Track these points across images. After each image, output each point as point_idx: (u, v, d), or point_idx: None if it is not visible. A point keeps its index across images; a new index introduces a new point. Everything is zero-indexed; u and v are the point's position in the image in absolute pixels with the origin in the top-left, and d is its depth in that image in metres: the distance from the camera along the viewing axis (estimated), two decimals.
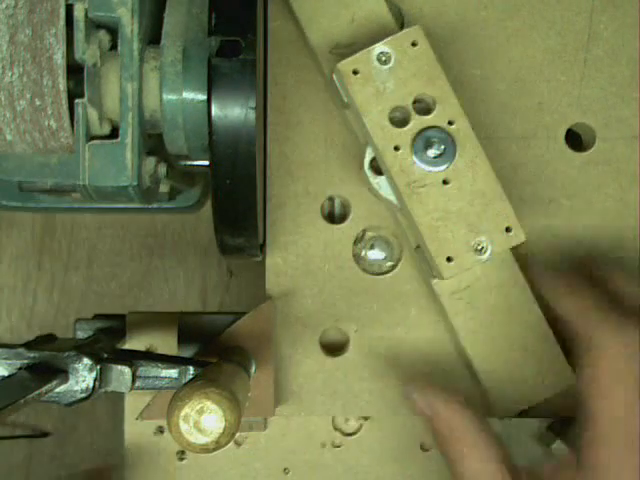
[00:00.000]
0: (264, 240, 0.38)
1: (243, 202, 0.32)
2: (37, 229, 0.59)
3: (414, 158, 0.33)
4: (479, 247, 0.34)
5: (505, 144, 0.39)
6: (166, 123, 0.33)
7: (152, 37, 0.33)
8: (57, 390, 0.30)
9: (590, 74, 0.39)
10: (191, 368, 0.33)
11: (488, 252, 0.34)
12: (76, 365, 0.31)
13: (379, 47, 0.34)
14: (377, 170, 0.35)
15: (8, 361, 0.31)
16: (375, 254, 0.39)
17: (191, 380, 0.30)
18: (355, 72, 0.34)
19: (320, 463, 0.41)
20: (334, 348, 0.39)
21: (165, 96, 0.32)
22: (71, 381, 0.31)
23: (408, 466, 0.41)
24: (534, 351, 0.37)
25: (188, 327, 0.38)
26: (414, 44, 0.34)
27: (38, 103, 0.29)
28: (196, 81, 0.32)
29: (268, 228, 0.38)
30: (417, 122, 0.34)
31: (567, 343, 0.36)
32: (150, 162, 0.33)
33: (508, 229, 0.34)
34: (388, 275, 0.39)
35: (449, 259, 0.34)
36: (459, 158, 0.34)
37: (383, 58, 0.34)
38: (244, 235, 0.33)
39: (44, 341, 0.33)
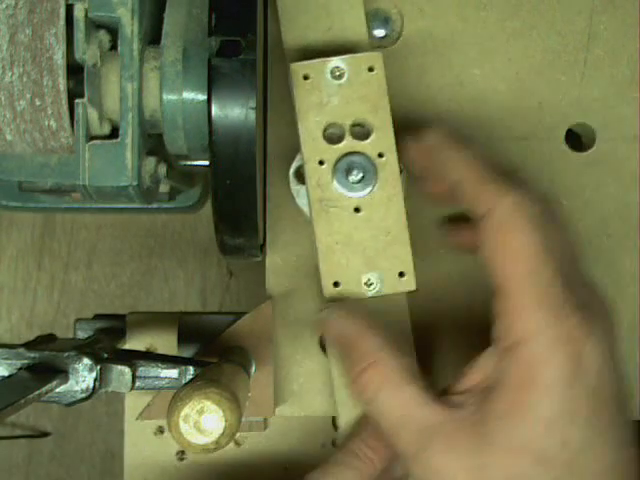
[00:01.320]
0: (264, 240, 0.38)
1: (243, 202, 0.32)
2: (37, 229, 0.59)
3: (334, 177, 0.34)
4: (369, 282, 0.34)
5: (505, 144, 0.39)
6: (166, 123, 0.33)
7: (152, 37, 0.33)
8: (57, 390, 0.30)
9: (590, 74, 0.39)
10: (191, 368, 0.33)
11: (375, 289, 0.34)
12: (76, 365, 0.31)
13: (336, 61, 0.34)
14: (301, 179, 0.35)
15: (8, 361, 0.31)
16: None
17: (191, 380, 0.30)
18: (306, 77, 0.34)
19: (320, 463, 0.41)
20: None
21: (165, 96, 0.32)
22: (71, 381, 0.31)
23: None
24: None
25: (188, 327, 0.38)
26: (371, 69, 0.34)
27: (38, 103, 0.29)
28: (196, 81, 0.32)
29: (268, 228, 0.38)
30: (348, 144, 0.34)
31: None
32: (150, 162, 0.33)
33: (402, 274, 0.34)
34: None
35: (336, 284, 0.34)
36: (377, 191, 0.34)
37: (337, 73, 0.34)
38: (244, 235, 0.33)
39: (44, 341, 0.33)
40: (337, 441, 0.41)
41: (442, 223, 0.38)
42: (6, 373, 0.31)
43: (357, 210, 0.34)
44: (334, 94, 0.34)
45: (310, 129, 0.34)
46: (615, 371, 0.30)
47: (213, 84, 0.29)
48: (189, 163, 0.40)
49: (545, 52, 0.39)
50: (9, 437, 0.59)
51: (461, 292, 0.38)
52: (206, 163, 0.33)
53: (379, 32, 0.39)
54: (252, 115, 0.30)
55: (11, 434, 0.59)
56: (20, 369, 0.31)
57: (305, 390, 0.39)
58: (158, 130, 0.33)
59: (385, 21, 0.39)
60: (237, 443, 0.41)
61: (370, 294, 0.34)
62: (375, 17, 0.38)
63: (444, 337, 0.38)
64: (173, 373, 0.33)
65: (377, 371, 0.31)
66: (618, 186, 0.39)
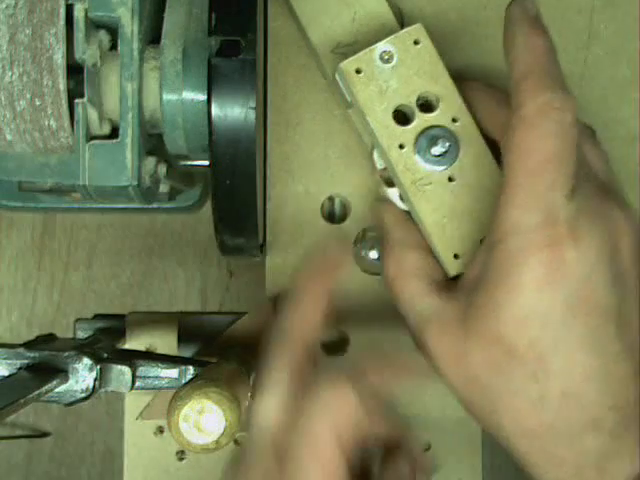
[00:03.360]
0: (264, 240, 0.38)
1: (243, 202, 0.32)
2: (37, 229, 0.59)
3: (419, 156, 0.33)
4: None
5: None
6: (166, 123, 0.33)
7: (152, 37, 0.33)
8: (57, 390, 0.30)
9: (590, 74, 0.39)
10: (191, 368, 0.33)
11: None
12: (76, 365, 0.31)
13: (382, 46, 0.34)
14: (388, 182, 0.35)
15: (8, 361, 0.31)
16: (375, 254, 0.39)
17: (191, 380, 0.30)
18: (358, 71, 0.34)
19: None
20: (334, 348, 0.39)
21: (165, 96, 0.32)
22: (71, 381, 0.31)
23: None
24: None
25: (188, 327, 0.38)
26: (416, 42, 0.34)
27: (38, 103, 0.29)
28: (196, 81, 0.32)
29: (268, 228, 0.38)
30: (421, 120, 0.34)
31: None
32: (150, 162, 0.33)
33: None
34: None
35: (456, 256, 0.34)
36: (463, 155, 0.33)
37: (386, 57, 0.34)
38: (244, 235, 0.33)
39: (44, 341, 0.33)
40: None
41: None
42: (6, 373, 0.31)
43: (451, 180, 0.33)
44: (390, 78, 0.33)
45: (380, 119, 0.33)
46: (620, 287, 0.30)
47: (213, 84, 0.29)
48: (189, 163, 0.40)
49: None
50: (9, 437, 0.59)
51: None
52: (206, 163, 0.33)
53: None
54: (252, 115, 0.30)
55: (11, 434, 0.59)
56: (20, 369, 0.31)
57: None
58: (158, 130, 0.33)
59: None
60: (237, 443, 0.41)
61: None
62: None
63: None
64: (173, 373, 0.33)
65: (392, 261, 0.34)
66: (618, 186, 0.39)
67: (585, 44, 0.39)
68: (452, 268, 0.34)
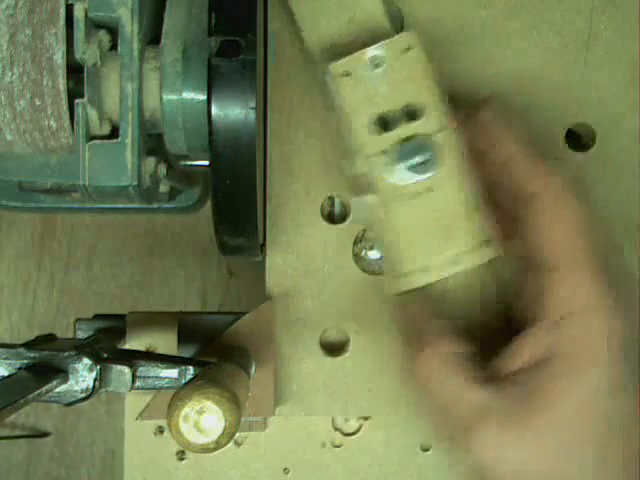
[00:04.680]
0: (264, 240, 0.38)
1: (243, 202, 0.32)
2: (37, 229, 0.59)
3: (399, 164, 0.33)
4: (454, 258, 0.33)
5: None
6: (166, 123, 0.33)
7: (152, 37, 0.33)
8: (57, 390, 0.30)
9: (590, 74, 0.39)
10: (191, 368, 0.33)
11: (463, 264, 0.33)
12: (76, 365, 0.31)
13: (372, 50, 0.33)
14: (363, 188, 0.35)
15: (8, 361, 0.31)
16: (375, 254, 0.39)
17: (191, 380, 0.30)
18: (347, 74, 0.33)
19: (320, 463, 0.41)
20: (334, 348, 0.39)
21: (165, 96, 0.32)
22: (71, 381, 0.31)
23: (408, 466, 0.41)
24: None
25: (188, 327, 0.38)
26: (408, 49, 0.33)
27: (38, 103, 0.29)
28: (196, 81, 0.32)
29: (268, 228, 0.38)
30: (405, 128, 0.33)
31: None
32: (150, 162, 0.33)
33: (485, 242, 0.33)
34: None
35: (422, 268, 0.33)
36: (442, 168, 0.33)
37: (376, 61, 0.33)
38: (244, 235, 0.33)
39: (44, 341, 0.33)
40: (338, 442, 0.41)
41: None
42: (6, 373, 0.31)
43: (428, 191, 0.33)
44: (378, 83, 0.33)
45: (364, 123, 0.33)
46: None
47: (213, 84, 0.29)
48: (189, 163, 0.40)
49: (545, 52, 0.39)
50: (9, 437, 0.59)
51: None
52: (206, 163, 0.33)
53: None
54: (252, 115, 0.30)
55: (11, 434, 0.59)
56: (20, 369, 0.31)
57: (305, 390, 0.39)
58: (158, 130, 0.33)
59: None
60: (237, 443, 0.41)
61: (459, 269, 0.33)
62: None
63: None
64: (173, 373, 0.33)
65: (438, 350, 0.32)
66: (618, 186, 0.39)
67: (585, 45, 0.39)
68: (417, 279, 0.33)
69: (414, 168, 0.33)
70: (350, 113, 0.33)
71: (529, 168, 0.31)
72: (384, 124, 0.34)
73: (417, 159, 0.33)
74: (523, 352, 0.31)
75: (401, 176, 0.33)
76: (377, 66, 0.33)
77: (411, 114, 0.34)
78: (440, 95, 0.34)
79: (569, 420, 0.29)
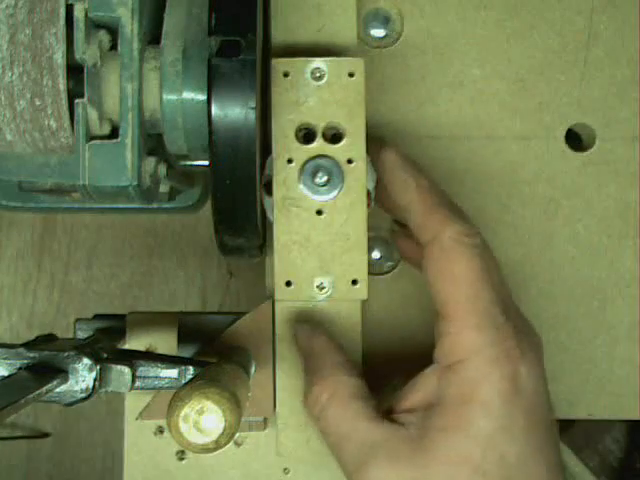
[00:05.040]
0: (264, 240, 0.38)
1: (243, 202, 0.32)
2: (37, 229, 0.59)
3: (301, 177, 0.34)
4: (321, 285, 0.34)
5: (505, 144, 0.39)
6: (166, 123, 0.33)
7: (152, 37, 0.33)
8: (57, 390, 0.30)
9: (590, 74, 0.39)
10: (191, 368, 0.33)
11: (327, 294, 0.34)
12: (76, 365, 0.31)
13: (318, 62, 0.34)
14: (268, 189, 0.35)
15: (8, 361, 0.31)
16: (375, 254, 0.39)
17: (191, 380, 0.30)
18: (286, 74, 0.34)
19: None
20: None
21: (165, 96, 0.32)
22: (71, 381, 0.31)
23: None
24: None
25: (188, 327, 0.38)
26: (351, 74, 0.34)
27: (38, 103, 0.29)
28: (196, 81, 0.32)
29: (268, 228, 0.38)
30: (319, 146, 0.34)
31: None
32: (150, 162, 0.33)
33: (355, 281, 0.34)
34: (388, 275, 0.39)
35: (288, 283, 0.34)
36: (341, 196, 0.34)
37: (317, 74, 0.34)
38: (244, 235, 0.33)
39: (44, 341, 0.33)
40: None
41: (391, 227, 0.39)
42: (6, 373, 0.31)
43: (319, 213, 0.34)
44: (311, 95, 0.34)
45: (283, 126, 0.34)
46: (547, 394, 0.32)
47: (213, 84, 0.29)
48: (189, 163, 0.40)
49: (545, 52, 0.39)
50: (9, 437, 0.59)
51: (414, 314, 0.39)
52: (206, 163, 0.33)
53: (379, 32, 0.39)
54: (252, 115, 0.30)
55: (11, 434, 0.59)
56: (20, 369, 0.31)
57: None
58: (158, 130, 0.33)
59: (385, 21, 0.39)
60: (237, 443, 0.41)
61: (321, 298, 0.34)
62: (375, 17, 0.38)
63: (395, 359, 0.38)
64: (173, 373, 0.33)
65: (326, 386, 0.33)
66: (618, 186, 0.39)
67: (585, 44, 0.39)
68: (280, 292, 0.34)
69: (313, 187, 0.34)
70: (274, 111, 0.34)
71: (424, 217, 0.32)
72: (305, 136, 0.34)
73: (319, 179, 0.33)
74: (415, 393, 0.32)
75: (296, 189, 0.34)
76: (317, 79, 0.34)
77: (331, 135, 0.34)
78: (363, 128, 0.34)
79: (454, 468, 0.30)
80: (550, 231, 0.39)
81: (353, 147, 0.34)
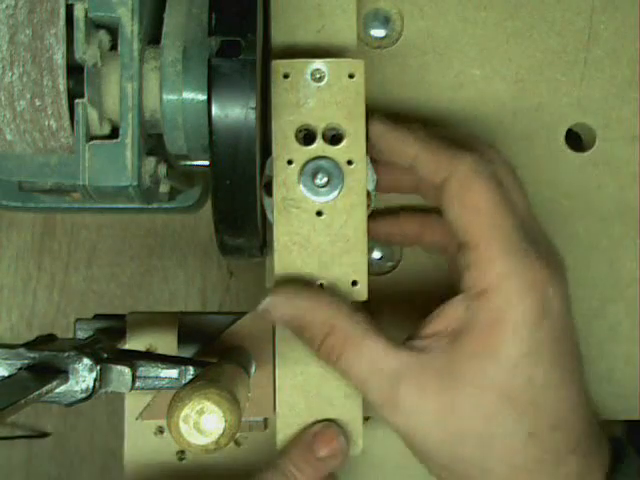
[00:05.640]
0: (264, 240, 0.38)
1: (243, 202, 0.32)
2: (37, 229, 0.59)
3: (301, 178, 0.34)
4: (321, 286, 0.34)
5: (505, 144, 0.39)
6: (166, 123, 0.33)
7: (152, 37, 0.33)
8: (57, 390, 0.30)
9: (590, 74, 0.39)
10: (191, 368, 0.33)
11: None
12: (76, 365, 0.31)
13: (317, 63, 0.34)
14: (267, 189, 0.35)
15: (8, 361, 0.31)
16: (375, 254, 0.39)
17: (191, 381, 0.30)
18: (286, 75, 0.34)
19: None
20: None
21: (165, 96, 0.32)
22: (71, 381, 0.31)
23: (408, 466, 0.41)
24: None
25: (188, 327, 0.38)
26: (351, 76, 0.34)
27: (38, 103, 0.29)
28: (196, 81, 0.32)
29: (268, 228, 0.38)
30: (319, 147, 0.34)
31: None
32: (150, 162, 0.33)
33: (354, 283, 0.34)
34: (388, 275, 0.39)
35: (287, 280, 0.34)
36: (341, 197, 0.34)
37: (317, 75, 0.34)
38: (244, 235, 0.33)
39: (44, 341, 0.33)
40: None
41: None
42: (6, 373, 0.31)
43: (319, 214, 0.34)
44: (311, 96, 0.34)
45: (283, 127, 0.34)
46: (571, 315, 0.32)
47: (213, 84, 0.29)
48: (189, 163, 0.40)
49: (545, 52, 0.39)
50: (9, 437, 0.59)
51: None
52: (206, 163, 0.33)
53: (379, 32, 0.39)
54: (252, 115, 0.30)
55: (11, 434, 0.59)
56: (20, 369, 0.31)
57: None
58: (158, 130, 0.33)
59: (385, 21, 0.39)
60: (237, 443, 0.41)
61: None
62: (375, 17, 0.38)
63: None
64: (173, 373, 0.33)
65: (335, 337, 0.32)
66: (618, 186, 0.39)
67: (585, 45, 0.39)
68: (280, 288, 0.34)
69: (313, 188, 0.34)
70: (274, 113, 0.34)
71: (434, 161, 0.32)
72: (305, 136, 0.34)
73: (319, 181, 0.33)
74: (441, 320, 0.32)
75: (296, 190, 0.34)
76: (317, 80, 0.34)
77: (331, 137, 0.34)
78: (364, 130, 0.34)
79: (481, 393, 0.30)
80: (550, 231, 0.39)
81: (353, 148, 0.34)
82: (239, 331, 0.38)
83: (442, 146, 0.33)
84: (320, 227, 0.34)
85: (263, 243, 0.38)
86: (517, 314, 0.30)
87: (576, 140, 0.40)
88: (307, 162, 0.34)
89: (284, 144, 0.34)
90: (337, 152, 0.34)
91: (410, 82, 0.39)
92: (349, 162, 0.34)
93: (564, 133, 0.39)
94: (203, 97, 0.32)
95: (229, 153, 0.30)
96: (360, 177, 0.34)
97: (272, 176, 0.34)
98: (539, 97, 0.39)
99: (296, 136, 0.34)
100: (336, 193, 0.34)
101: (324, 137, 0.34)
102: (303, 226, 0.34)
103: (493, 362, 0.30)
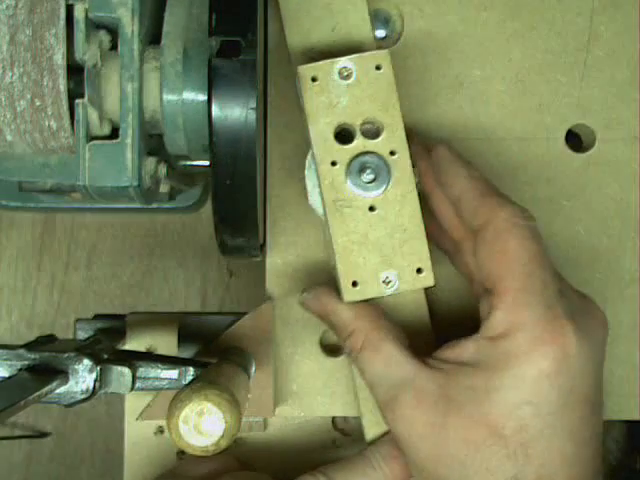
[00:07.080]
0: (264, 240, 0.38)
1: (243, 202, 0.32)
2: (37, 229, 0.59)
3: (347, 178, 0.33)
4: (387, 280, 0.34)
5: (505, 145, 0.39)
6: (166, 123, 0.33)
7: (152, 37, 0.33)
8: (57, 391, 0.30)
9: (590, 75, 0.39)
10: (191, 369, 0.33)
11: (394, 287, 0.34)
12: (76, 366, 0.31)
13: (343, 61, 0.34)
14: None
15: (9, 362, 0.31)
16: None
17: (191, 381, 0.30)
18: (314, 79, 0.34)
19: (320, 463, 0.41)
20: (334, 348, 0.39)
21: (165, 96, 0.32)
22: (71, 382, 0.31)
23: None
24: None
25: (188, 327, 0.38)
26: (378, 67, 0.34)
27: (38, 103, 0.29)
28: (196, 81, 0.32)
29: (268, 228, 0.38)
30: (360, 143, 0.34)
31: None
32: (150, 162, 0.33)
33: (420, 270, 0.34)
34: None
35: (354, 283, 0.34)
36: (391, 189, 0.34)
37: (345, 73, 0.34)
38: (244, 235, 0.33)
39: (44, 342, 0.33)
40: (338, 442, 0.41)
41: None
42: (6, 374, 0.31)
43: (372, 209, 0.34)
44: (343, 94, 0.34)
45: (321, 131, 0.34)
46: (598, 375, 0.32)
47: (213, 84, 0.29)
48: (189, 163, 0.40)
49: (545, 53, 0.39)
50: (9, 437, 0.59)
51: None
52: (206, 163, 0.33)
53: (379, 33, 0.39)
54: (252, 115, 0.30)
55: (11, 434, 0.59)
56: (20, 370, 0.31)
57: (305, 390, 0.39)
58: (158, 130, 0.33)
59: (385, 22, 0.39)
60: (237, 443, 0.41)
61: (389, 292, 0.34)
62: (375, 18, 0.38)
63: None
64: (173, 374, 0.33)
65: (355, 339, 0.34)
66: (618, 186, 0.39)
67: (585, 45, 0.39)
68: (348, 294, 0.34)
69: (361, 185, 0.34)
70: (309, 118, 0.34)
71: (477, 203, 0.33)
72: (343, 136, 0.34)
73: (366, 177, 0.33)
74: (451, 351, 0.33)
75: (346, 190, 0.34)
76: (345, 78, 0.34)
77: (369, 131, 0.34)
78: (400, 118, 0.34)
79: (473, 425, 0.31)
80: (550, 231, 0.39)
81: (393, 138, 0.34)
82: (239, 332, 0.38)
83: (489, 191, 0.33)
84: (375, 222, 0.34)
85: (263, 243, 0.38)
86: (524, 363, 0.30)
87: (576, 141, 0.40)
88: (351, 160, 0.33)
89: (325, 147, 0.34)
90: (378, 145, 0.34)
91: (410, 82, 0.39)
92: (392, 153, 0.34)
93: (564, 134, 0.39)
94: (203, 97, 0.32)
95: (229, 153, 0.30)
96: (405, 165, 0.34)
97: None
98: (539, 97, 0.39)
99: (335, 137, 0.34)
100: (385, 186, 0.34)
101: (363, 133, 0.34)
102: (358, 224, 0.34)
103: (489, 400, 0.31)
